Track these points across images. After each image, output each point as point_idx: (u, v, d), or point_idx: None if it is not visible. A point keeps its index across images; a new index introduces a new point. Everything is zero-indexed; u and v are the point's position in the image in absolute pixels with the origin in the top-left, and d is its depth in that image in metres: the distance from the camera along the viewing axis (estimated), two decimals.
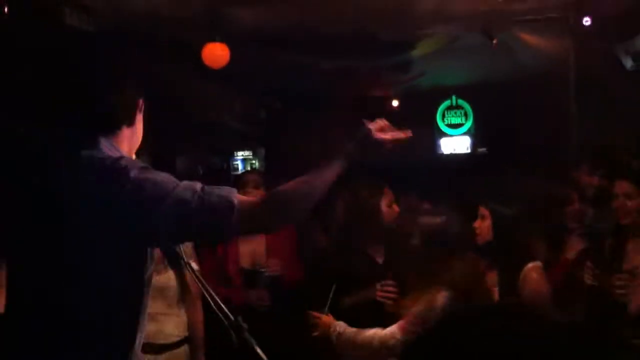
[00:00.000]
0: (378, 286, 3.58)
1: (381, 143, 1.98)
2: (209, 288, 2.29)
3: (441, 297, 2.78)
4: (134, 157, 1.83)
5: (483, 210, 3.56)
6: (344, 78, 6.19)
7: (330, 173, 1.90)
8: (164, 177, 1.66)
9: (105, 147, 1.72)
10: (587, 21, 4.50)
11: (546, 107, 6.31)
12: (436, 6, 4.62)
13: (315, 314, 3.10)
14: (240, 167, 9.61)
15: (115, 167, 1.65)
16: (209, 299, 2.26)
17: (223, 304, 2.24)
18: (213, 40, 4.43)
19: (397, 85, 7.03)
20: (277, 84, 6.43)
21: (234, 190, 1.70)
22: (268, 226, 1.89)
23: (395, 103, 7.54)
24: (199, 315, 3.52)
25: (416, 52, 5.93)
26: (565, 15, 4.70)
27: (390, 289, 3.56)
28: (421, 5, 4.60)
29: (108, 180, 1.63)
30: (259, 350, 2.17)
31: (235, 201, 1.66)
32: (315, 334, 3.02)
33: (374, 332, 2.82)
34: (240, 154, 9.75)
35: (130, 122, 1.81)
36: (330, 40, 5.16)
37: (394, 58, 5.92)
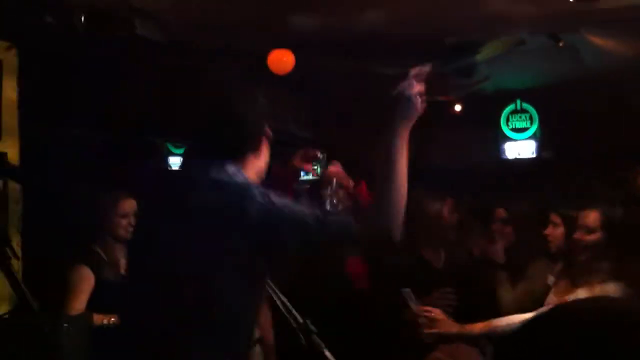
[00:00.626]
0: (437, 294, 3.57)
1: (418, 96, 2.13)
2: (277, 291, 2.33)
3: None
4: (258, 181, 1.93)
5: (554, 218, 3.49)
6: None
7: (396, 151, 2.04)
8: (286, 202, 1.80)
9: (232, 172, 1.83)
10: None
11: (616, 111, 6.15)
12: (503, 9, 4.57)
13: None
14: (302, 174, 9.65)
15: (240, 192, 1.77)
16: (278, 303, 2.30)
17: (292, 307, 2.27)
18: (278, 47, 4.49)
19: (460, 89, 6.95)
20: (341, 90, 6.45)
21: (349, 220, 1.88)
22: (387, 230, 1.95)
23: (458, 107, 7.45)
24: (268, 317, 3.56)
25: (481, 56, 5.86)
26: (636, 16, 4.56)
27: (449, 296, 3.54)
28: (487, 8, 4.55)
29: (234, 201, 1.75)
30: (327, 354, 2.19)
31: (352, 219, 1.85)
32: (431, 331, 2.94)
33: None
34: None
35: (256, 149, 1.92)
36: (394, 45, 5.16)
37: (458, 62, 5.86)
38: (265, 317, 3.52)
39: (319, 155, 3.89)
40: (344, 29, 4.75)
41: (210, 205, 1.80)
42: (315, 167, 4.12)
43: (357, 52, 5.13)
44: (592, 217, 2.91)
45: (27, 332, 2.50)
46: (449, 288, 3.56)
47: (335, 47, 5.05)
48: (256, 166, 1.94)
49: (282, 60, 4.47)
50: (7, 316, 2.98)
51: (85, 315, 3.20)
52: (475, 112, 7.32)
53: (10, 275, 1.38)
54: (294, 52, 4.52)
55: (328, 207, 3.73)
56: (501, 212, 4.15)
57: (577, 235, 2.93)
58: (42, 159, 3.16)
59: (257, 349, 3.46)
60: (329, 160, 4.02)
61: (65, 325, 2.83)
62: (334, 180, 3.80)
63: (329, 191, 3.74)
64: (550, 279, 3.37)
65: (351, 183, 3.86)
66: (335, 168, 3.92)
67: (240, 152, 1.88)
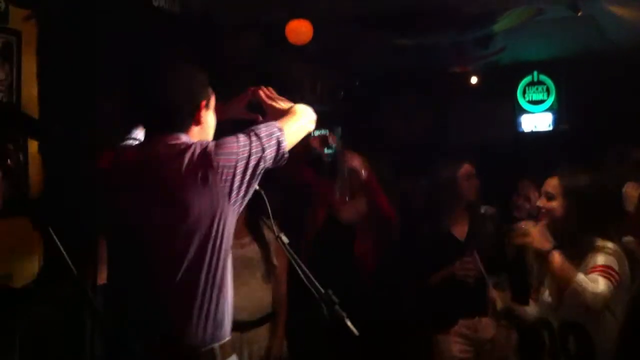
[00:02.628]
0: (457, 264, 3.59)
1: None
2: (300, 261, 2.35)
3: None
4: None
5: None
6: (424, 55, 6.12)
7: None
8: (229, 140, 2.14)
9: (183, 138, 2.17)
10: None
11: (635, 84, 6.08)
12: None
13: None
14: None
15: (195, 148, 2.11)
16: (300, 273, 2.32)
17: (314, 277, 2.29)
18: (296, 17, 4.47)
19: (477, 60, 6.89)
20: (356, 62, 6.42)
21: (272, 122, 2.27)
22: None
23: (474, 79, 7.40)
24: (283, 289, 3.59)
25: (498, 26, 5.79)
26: None
27: (470, 266, 3.56)
28: None
29: (192, 158, 2.06)
30: (349, 324, 2.22)
31: (280, 125, 2.26)
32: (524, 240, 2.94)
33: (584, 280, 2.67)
34: (317, 133, 9.79)
35: (197, 122, 2.21)
36: (411, 15, 5.11)
37: (475, 33, 5.79)
38: (280, 288, 3.55)
39: (331, 141, 4.01)
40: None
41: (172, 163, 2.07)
42: (328, 152, 4.20)
43: (374, 23, 5.09)
44: (551, 184, 2.93)
45: (56, 302, 2.56)
46: (468, 258, 3.58)
47: (352, 18, 5.01)
48: (202, 135, 2.24)
49: (300, 30, 4.45)
50: (32, 286, 3.02)
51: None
52: (492, 84, 7.27)
53: (52, 242, 1.40)
54: (312, 22, 4.49)
55: (337, 193, 3.81)
56: (521, 187, 4.14)
57: (540, 202, 2.97)
58: (63, 130, 3.17)
59: (268, 325, 3.49)
60: (344, 148, 4.08)
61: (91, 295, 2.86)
62: (345, 168, 3.84)
63: (343, 175, 3.80)
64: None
65: (365, 174, 3.88)
66: (353, 158, 3.94)
67: (183, 125, 2.18)
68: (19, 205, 3.11)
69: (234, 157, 2.09)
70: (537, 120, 7.79)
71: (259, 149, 2.14)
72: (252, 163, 2.13)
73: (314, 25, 4.53)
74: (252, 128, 2.21)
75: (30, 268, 3.16)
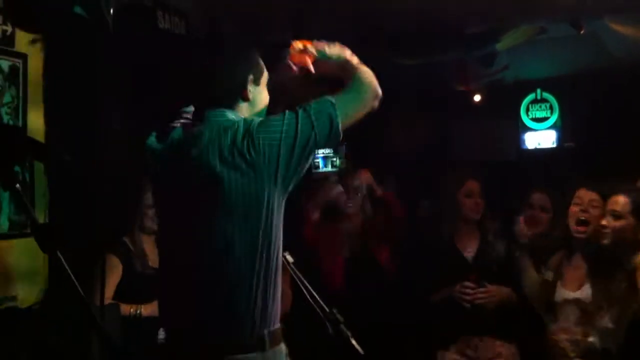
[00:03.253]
0: (458, 286, 3.56)
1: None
2: (304, 280, 2.35)
3: None
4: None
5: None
6: (428, 73, 6.15)
7: None
8: (275, 118, 2.07)
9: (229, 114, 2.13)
10: None
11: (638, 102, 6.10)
12: None
13: None
14: (321, 164, 9.66)
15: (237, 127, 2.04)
16: (305, 292, 2.32)
17: (319, 296, 2.29)
18: (299, 37, 4.49)
19: (480, 79, 6.91)
20: None
21: (326, 97, 2.11)
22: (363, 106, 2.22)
23: (477, 97, 7.42)
24: (287, 308, 3.56)
25: (501, 45, 5.82)
26: None
27: (469, 291, 3.53)
28: None
29: (237, 135, 2.01)
30: (354, 342, 2.21)
31: (334, 101, 2.09)
32: None
33: None
34: (321, 152, 9.80)
35: (245, 97, 2.16)
36: (415, 35, 5.14)
37: (479, 51, 5.82)
38: (285, 306, 3.52)
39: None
40: (364, 18, 4.74)
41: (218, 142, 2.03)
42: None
43: (378, 42, 5.12)
44: (620, 202, 2.87)
45: (60, 321, 2.56)
46: (470, 283, 3.55)
47: (356, 37, 5.04)
48: (251, 110, 2.19)
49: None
50: (37, 306, 3.03)
51: (114, 305, 3.24)
52: (495, 102, 7.28)
53: (59, 264, 1.41)
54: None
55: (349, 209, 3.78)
56: (536, 198, 4.05)
57: (605, 221, 2.89)
58: (69, 152, 3.20)
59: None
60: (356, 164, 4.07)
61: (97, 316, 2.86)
62: (363, 185, 3.83)
63: (357, 194, 3.78)
64: (549, 274, 3.27)
65: (379, 191, 3.88)
66: (365, 174, 3.94)
67: (230, 101, 2.16)
68: (25, 226, 3.14)
69: (278, 135, 1.99)
70: (540, 138, 7.78)
71: (308, 127, 2.02)
72: (300, 142, 2.01)
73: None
74: (303, 104, 2.09)
75: (36, 289, 3.17)
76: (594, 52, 5.95)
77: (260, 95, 2.21)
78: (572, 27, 5.33)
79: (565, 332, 2.98)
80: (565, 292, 3.12)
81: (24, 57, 3.28)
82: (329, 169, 8.59)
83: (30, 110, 3.29)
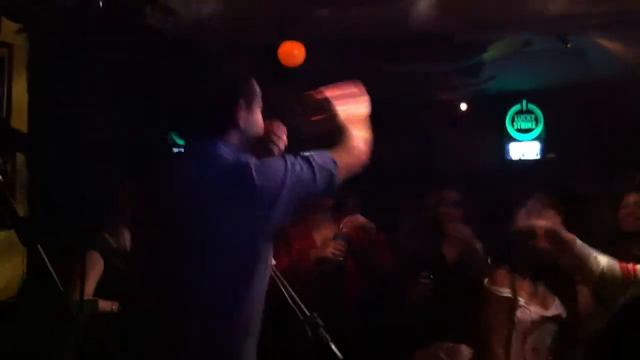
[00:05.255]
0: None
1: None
2: (286, 283, 2.33)
3: None
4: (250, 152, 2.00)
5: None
6: (414, 81, 6.17)
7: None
8: (276, 162, 1.93)
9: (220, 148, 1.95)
10: None
11: (622, 114, 6.16)
12: (512, 9, 4.57)
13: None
14: None
15: (234, 164, 1.89)
16: (286, 294, 2.31)
17: (300, 299, 2.27)
18: (289, 39, 4.50)
19: (466, 88, 6.96)
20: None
21: (326, 152, 2.02)
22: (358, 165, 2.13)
23: (463, 107, 7.47)
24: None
25: (487, 56, 5.86)
26: None
27: (421, 287, 3.54)
28: (497, 8, 4.56)
29: (230, 175, 1.87)
30: (333, 347, 2.20)
31: (335, 158, 2.01)
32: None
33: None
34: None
35: (235, 124, 1.99)
36: (402, 43, 5.16)
37: (465, 61, 5.86)
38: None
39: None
40: (352, 25, 4.75)
41: (211, 183, 1.88)
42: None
43: (365, 50, 5.14)
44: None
45: (37, 316, 2.53)
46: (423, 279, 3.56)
47: (343, 44, 5.05)
48: (242, 138, 2.02)
49: (292, 52, 4.47)
50: (12, 301, 2.99)
51: (92, 302, 3.21)
52: (481, 112, 7.33)
53: (39, 258, 1.39)
54: (305, 45, 4.53)
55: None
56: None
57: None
58: (51, 145, 3.17)
59: None
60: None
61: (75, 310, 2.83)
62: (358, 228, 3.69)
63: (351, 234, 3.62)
64: (505, 292, 3.18)
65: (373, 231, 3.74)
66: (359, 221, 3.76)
67: (218, 128, 1.98)
68: (4, 219, 3.10)
69: (280, 180, 1.87)
70: (525, 149, 7.85)
71: (310, 180, 1.94)
72: (300, 194, 1.92)
73: (306, 47, 4.57)
74: (305, 155, 1.98)
75: (13, 282, 3.14)
76: (579, 66, 6.02)
77: (253, 123, 2.04)
78: (559, 41, 5.39)
79: None
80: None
81: (9, 47, 3.24)
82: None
83: (15, 101, 3.26)
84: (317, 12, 4.48)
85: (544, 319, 3.06)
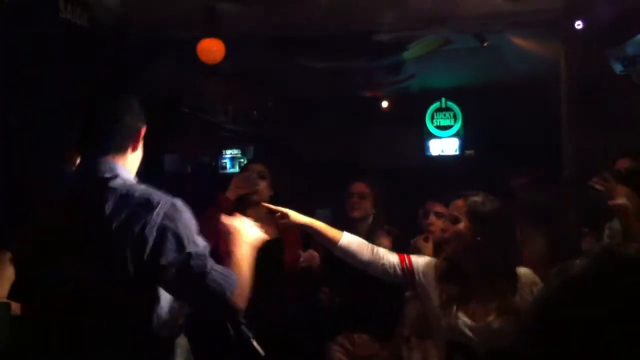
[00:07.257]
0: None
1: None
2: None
3: None
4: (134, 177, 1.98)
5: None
6: (336, 78, 6.22)
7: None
8: (186, 233, 1.82)
9: (120, 170, 1.91)
10: (579, 24, 4.52)
11: (536, 111, 6.37)
12: (431, 8, 4.66)
13: None
14: (228, 165, 9.59)
15: (146, 202, 1.82)
16: None
17: None
18: (208, 36, 4.44)
19: (387, 86, 7.06)
20: (269, 83, 6.44)
21: (232, 274, 1.86)
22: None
23: (385, 104, 7.58)
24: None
25: (408, 54, 5.96)
26: (557, 19, 4.73)
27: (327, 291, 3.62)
28: (416, 7, 4.64)
29: (137, 213, 1.79)
30: (255, 344, 2.20)
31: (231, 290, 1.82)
32: None
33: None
34: (229, 153, 9.72)
35: (134, 147, 1.98)
36: (323, 40, 5.18)
37: (386, 59, 5.94)
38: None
39: None
40: (274, 22, 4.74)
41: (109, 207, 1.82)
42: None
43: (287, 46, 5.13)
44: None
45: None
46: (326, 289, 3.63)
47: (264, 40, 5.03)
48: (135, 162, 2.00)
49: (211, 49, 4.42)
50: None
51: (5, 304, 3.08)
52: (402, 109, 7.46)
53: None
54: (225, 42, 4.48)
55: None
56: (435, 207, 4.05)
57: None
58: None
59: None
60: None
61: None
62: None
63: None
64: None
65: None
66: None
67: (122, 150, 1.95)
68: None
69: (187, 231, 1.82)
70: (444, 145, 8.04)
71: (202, 255, 1.82)
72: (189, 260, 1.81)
73: (227, 44, 4.51)
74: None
75: None
76: (496, 64, 6.20)
77: (140, 152, 2.03)
78: (477, 40, 5.54)
79: None
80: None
81: None
82: (236, 170, 8.53)
83: None
84: (238, 9, 4.44)
85: None
